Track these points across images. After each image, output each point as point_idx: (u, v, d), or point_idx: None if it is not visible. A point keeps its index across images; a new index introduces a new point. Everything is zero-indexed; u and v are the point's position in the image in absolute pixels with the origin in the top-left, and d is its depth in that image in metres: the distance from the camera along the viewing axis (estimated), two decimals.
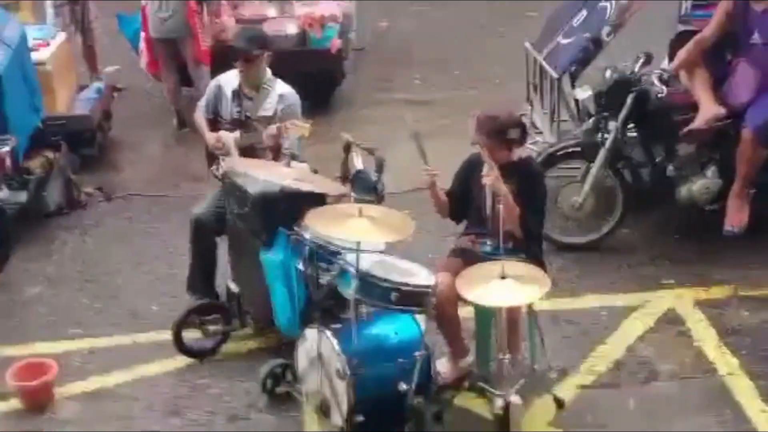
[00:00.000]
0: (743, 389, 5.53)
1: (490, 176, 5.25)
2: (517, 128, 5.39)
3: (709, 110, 6.54)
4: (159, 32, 8.65)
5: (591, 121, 6.80)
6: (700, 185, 6.64)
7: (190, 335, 5.94)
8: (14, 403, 5.62)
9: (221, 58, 8.17)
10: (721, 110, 6.55)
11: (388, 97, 9.55)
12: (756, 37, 6.51)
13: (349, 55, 9.63)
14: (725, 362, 5.74)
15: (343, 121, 8.85)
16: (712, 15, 6.87)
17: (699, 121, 6.55)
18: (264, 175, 5.51)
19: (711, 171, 6.66)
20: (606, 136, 6.64)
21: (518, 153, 5.50)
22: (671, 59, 7.11)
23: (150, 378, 5.81)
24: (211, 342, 5.97)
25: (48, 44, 8.26)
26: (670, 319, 6.14)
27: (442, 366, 5.52)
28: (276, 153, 5.99)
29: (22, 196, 7.15)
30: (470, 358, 5.55)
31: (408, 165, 7.76)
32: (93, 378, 5.83)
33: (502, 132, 5.33)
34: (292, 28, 9.05)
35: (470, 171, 5.56)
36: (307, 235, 5.33)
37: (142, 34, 9.01)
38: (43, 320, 6.38)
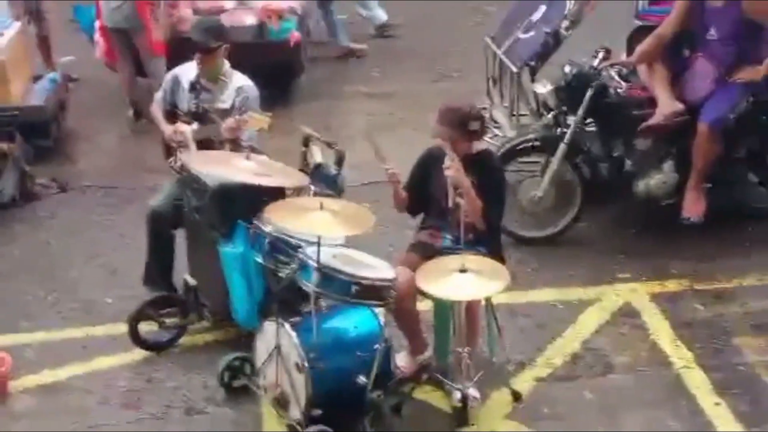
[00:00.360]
0: (697, 382, 5.57)
1: (452, 168, 5.25)
2: (478, 120, 5.40)
3: (667, 106, 6.60)
4: (111, 21, 8.54)
5: (550, 115, 6.84)
6: (657, 180, 6.70)
7: (147, 328, 5.89)
8: None
9: (178, 50, 8.11)
10: (679, 106, 6.61)
11: (348, 89, 9.54)
12: (713, 33, 6.58)
13: (308, 48, 9.60)
14: (680, 355, 5.78)
15: (303, 114, 8.80)
16: (668, 11, 6.93)
17: (657, 117, 6.61)
18: (223, 170, 5.45)
19: (668, 165, 6.72)
20: (565, 130, 6.68)
21: (477, 146, 5.51)
22: (629, 54, 7.17)
23: (105, 371, 5.75)
24: (168, 335, 5.91)
25: (2, 35, 8.15)
26: (626, 313, 6.18)
27: (401, 360, 5.52)
28: (234, 146, 5.94)
29: None
30: (429, 352, 5.56)
31: (367, 158, 7.78)
32: (46, 371, 5.76)
33: (463, 124, 5.33)
34: (250, 20, 8.99)
35: (429, 164, 5.56)
36: (266, 228, 5.30)
37: (98, 24, 8.91)
38: None
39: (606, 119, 6.75)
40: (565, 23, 7.18)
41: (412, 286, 5.16)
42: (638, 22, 7.58)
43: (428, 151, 5.63)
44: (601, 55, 6.68)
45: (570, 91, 6.68)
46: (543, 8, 7.44)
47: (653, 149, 6.74)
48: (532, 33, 7.38)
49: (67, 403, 5.50)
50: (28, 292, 6.51)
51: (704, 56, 6.67)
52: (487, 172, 5.45)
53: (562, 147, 6.66)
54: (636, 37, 7.43)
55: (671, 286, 6.42)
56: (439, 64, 9.95)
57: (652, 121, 6.60)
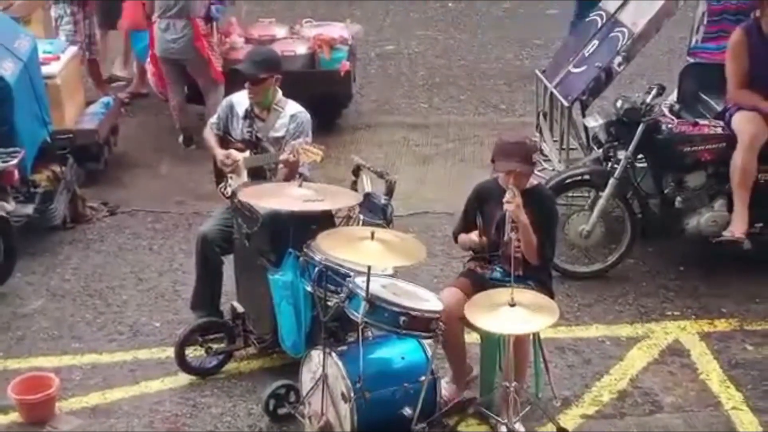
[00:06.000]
0: (747, 424, 5.49)
1: (512, 203, 5.21)
2: (537, 152, 5.39)
3: (741, 224, 6.52)
4: (165, 52, 8.62)
5: (601, 150, 6.81)
6: (707, 217, 6.64)
7: (193, 353, 5.91)
8: (14, 417, 5.56)
9: (230, 77, 8.19)
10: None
11: (394, 120, 9.57)
12: None
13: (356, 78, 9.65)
14: (729, 396, 5.71)
15: (350, 144, 8.87)
16: (721, 48, 6.92)
17: (727, 233, 6.53)
18: (274, 201, 5.46)
19: (719, 203, 6.66)
20: (615, 165, 6.65)
21: (530, 180, 5.51)
22: (680, 91, 7.14)
23: (151, 395, 5.77)
24: (214, 361, 5.93)
25: (58, 58, 8.27)
26: (675, 351, 6.11)
27: (444, 388, 5.48)
28: (290, 173, 5.97)
29: (28, 209, 7.11)
30: (473, 373, 5.54)
31: (413, 188, 7.83)
32: (94, 393, 5.79)
33: (530, 157, 5.33)
34: (301, 49, 9.06)
35: (481, 198, 5.54)
36: (316, 257, 5.31)
37: (150, 52, 9.01)
38: (44, 334, 6.34)
39: (657, 155, 6.70)
40: (618, 59, 7.16)
41: (460, 307, 5.11)
42: (690, 59, 7.56)
43: (479, 185, 5.61)
44: (654, 91, 6.64)
45: (621, 126, 6.65)
46: (595, 43, 7.43)
47: (704, 186, 6.69)
48: (584, 68, 7.37)
49: (113, 425, 5.52)
50: (77, 314, 6.56)
51: None
52: (541, 206, 5.42)
53: (612, 182, 6.62)
54: (687, 74, 7.42)
55: (721, 325, 6.35)
56: (485, 96, 9.96)
57: (726, 235, 6.53)
